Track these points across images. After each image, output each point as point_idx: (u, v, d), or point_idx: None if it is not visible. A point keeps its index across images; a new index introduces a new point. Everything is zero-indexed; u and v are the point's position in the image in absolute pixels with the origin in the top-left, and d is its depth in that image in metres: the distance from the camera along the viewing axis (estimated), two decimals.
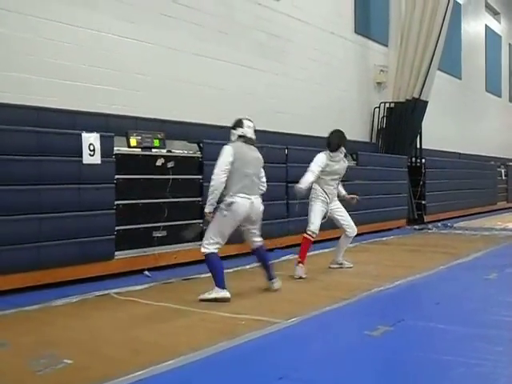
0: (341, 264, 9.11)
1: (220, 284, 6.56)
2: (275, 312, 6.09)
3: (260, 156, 7.09)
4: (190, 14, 10.64)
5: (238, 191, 6.70)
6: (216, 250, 6.75)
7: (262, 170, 7.17)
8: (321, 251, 10.55)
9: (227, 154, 6.73)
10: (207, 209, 6.73)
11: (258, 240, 7.18)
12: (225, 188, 6.68)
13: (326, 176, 8.67)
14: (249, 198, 6.76)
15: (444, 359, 4.67)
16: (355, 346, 5.09)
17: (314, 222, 8.59)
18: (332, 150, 8.67)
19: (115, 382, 4.06)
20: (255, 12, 12.30)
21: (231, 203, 6.64)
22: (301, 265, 8.34)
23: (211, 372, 4.39)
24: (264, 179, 7.21)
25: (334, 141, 8.71)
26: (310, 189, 8.63)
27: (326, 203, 8.68)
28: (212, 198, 6.67)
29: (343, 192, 9.02)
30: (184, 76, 10.53)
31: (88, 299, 6.76)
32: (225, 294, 6.53)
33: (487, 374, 4.32)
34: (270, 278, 7.20)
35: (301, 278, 8.20)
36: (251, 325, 5.58)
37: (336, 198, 8.85)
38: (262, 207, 7.01)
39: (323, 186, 8.67)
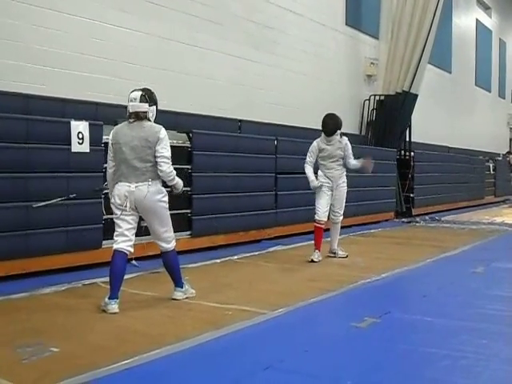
0: (334, 253, 9.31)
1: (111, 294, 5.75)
2: (262, 302, 6.10)
3: (148, 133, 5.83)
4: (182, 3, 10.60)
5: (117, 179, 5.90)
6: (117, 246, 5.88)
7: (160, 149, 5.82)
8: (307, 243, 10.56)
9: (109, 140, 6.04)
10: (110, 195, 6.12)
11: (162, 243, 6.13)
12: None
13: (325, 160, 8.96)
14: (128, 185, 5.80)
15: (429, 351, 4.70)
16: (341, 337, 5.11)
17: (318, 211, 8.97)
18: (328, 135, 8.86)
19: (101, 370, 4.06)
20: (247, 2, 12.26)
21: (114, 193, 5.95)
22: (317, 250, 8.85)
23: (197, 362, 4.40)
24: (162, 160, 5.84)
25: (329, 125, 8.90)
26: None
27: (329, 188, 8.97)
28: (109, 187, 6.15)
29: (354, 162, 9.07)
30: (175, 65, 10.49)
31: (75, 288, 6.75)
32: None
33: (472, 367, 4.35)
34: (175, 285, 6.25)
35: (312, 261, 8.72)
36: (238, 315, 5.59)
37: (342, 181, 9.04)
38: (152, 195, 5.83)
39: (324, 171, 8.98)
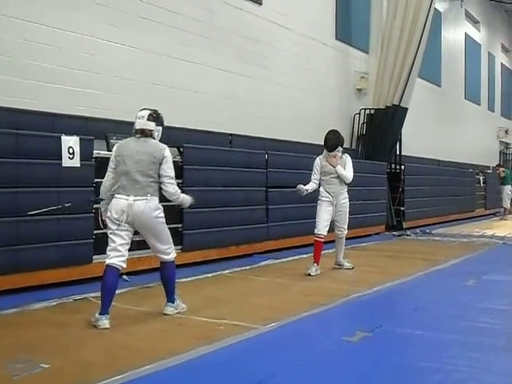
0: (341, 265, 9.47)
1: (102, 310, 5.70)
2: (254, 317, 6.08)
3: (153, 149, 5.91)
4: (172, 18, 10.62)
5: (115, 191, 5.86)
6: (109, 261, 5.81)
7: (166, 168, 5.95)
8: (299, 257, 10.56)
9: (112, 153, 6.07)
10: (102, 209, 6.15)
11: (161, 255, 6.14)
12: None
13: (326, 176, 9.09)
14: (126, 199, 5.79)
15: (421, 365, 4.70)
16: (333, 351, 5.10)
17: (318, 225, 9.05)
18: (329, 150, 8.98)
19: None
20: (237, 17, 12.31)
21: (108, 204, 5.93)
22: (315, 264, 8.90)
23: (189, 377, 4.38)
24: (169, 180, 5.98)
25: (331, 141, 9.04)
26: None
27: (330, 203, 9.06)
28: (103, 204, 6.12)
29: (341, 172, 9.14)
30: (165, 80, 10.51)
31: (66, 303, 6.72)
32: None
33: (464, 381, 4.35)
34: (167, 299, 6.21)
35: (309, 274, 8.75)
36: (230, 330, 5.58)
37: (343, 197, 9.15)
38: (149, 211, 5.84)
39: (325, 187, 9.10)
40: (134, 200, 5.78)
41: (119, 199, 5.81)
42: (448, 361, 4.76)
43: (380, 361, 4.85)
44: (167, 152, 6.00)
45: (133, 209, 5.76)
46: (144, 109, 6.13)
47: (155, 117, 6.06)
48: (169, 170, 5.98)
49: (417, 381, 4.41)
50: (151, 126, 6.00)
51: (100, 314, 5.64)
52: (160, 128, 6.11)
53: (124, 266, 5.88)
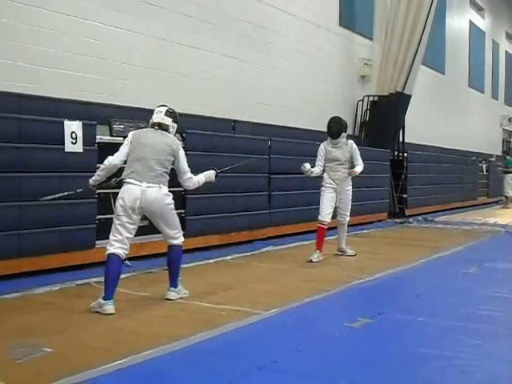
0: (343, 251, 9.53)
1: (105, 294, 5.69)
2: (256, 303, 6.10)
3: (171, 141, 6.13)
4: (178, 3, 10.58)
5: (127, 176, 5.93)
6: (115, 250, 5.82)
7: (183, 165, 6.23)
8: (301, 243, 10.58)
9: (126, 140, 6.16)
10: (90, 180, 6.28)
11: (169, 239, 6.23)
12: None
13: (330, 163, 9.12)
14: (139, 185, 5.86)
15: (423, 352, 4.71)
16: (335, 337, 5.11)
17: (322, 211, 9.07)
18: (333, 138, 9.05)
19: (95, 370, 4.05)
20: (242, 3, 12.25)
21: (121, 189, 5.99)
22: (317, 251, 8.93)
23: (191, 361, 4.40)
24: (187, 175, 6.28)
25: (334, 129, 9.09)
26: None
27: (334, 190, 9.12)
28: (97, 174, 6.20)
29: (359, 169, 9.27)
30: (170, 66, 10.47)
31: (69, 288, 6.74)
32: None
33: (465, 367, 4.36)
34: (170, 284, 6.27)
35: (311, 261, 8.77)
36: (231, 315, 5.59)
37: (347, 184, 9.21)
38: (161, 198, 5.95)
39: (330, 173, 9.14)
40: (148, 187, 5.87)
41: (132, 187, 5.86)
42: (449, 347, 4.78)
43: (381, 347, 4.87)
44: (181, 148, 6.27)
45: (146, 195, 5.85)
46: (162, 105, 6.35)
47: (172, 114, 6.29)
48: (186, 165, 6.27)
49: (418, 367, 4.42)
50: (168, 121, 6.22)
51: (105, 299, 5.63)
52: (175, 125, 6.33)
53: (125, 256, 5.94)
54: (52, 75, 8.52)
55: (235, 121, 11.74)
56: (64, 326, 5.21)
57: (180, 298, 6.24)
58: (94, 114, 8.49)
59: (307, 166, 8.89)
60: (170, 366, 4.30)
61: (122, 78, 9.54)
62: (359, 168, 9.20)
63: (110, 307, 5.61)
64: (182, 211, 9.16)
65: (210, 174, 6.59)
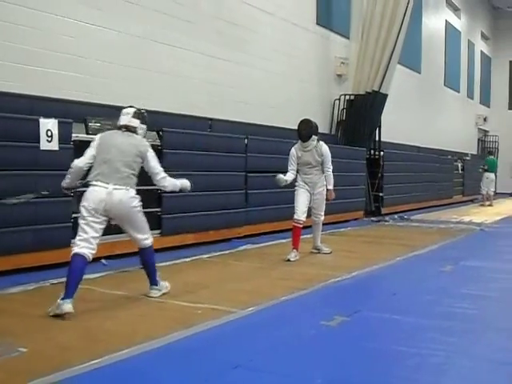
0: (318, 249, 9.54)
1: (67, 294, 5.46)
2: (232, 301, 6.10)
3: (137, 143, 6.03)
4: (155, 1, 10.53)
5: (93, 178, 5.83)
6: (79, 250, 5.66)
7: (155, 165, 6.14)
8: (277, 241, 10.59)
9: (93, 142, 6.04)
10: (63, 183, 6.15)
11: (138, 242, 6.14)
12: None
13: (302, 167, 9.11)
14: (105, 187, 5.75)
15: (398, 350, 4.74)
16: (311, 335, 5.13)
17: (297, 210, 9.06)
18: (303, 141, 8.97)
19: (71, 370, 4.03)
20: (218, 1, 12.23)
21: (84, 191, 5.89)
22: (294, 250, 8.90)
23: (167, 361, 4.39)
24: (160, 176, 6.16)
25: (304, 132, 9.01)
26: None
27: (307, 190, 9.12)
28: (67, 177, 6.08)
29: (329, 175, 9.22)
30: (147, 64, 10.41)
31: (44, 287, 6.69)
32: None
33: (440, 365, 4.40)
34: (150, 283, 6.27)
35: (289, 260, 8.73)
36: (208, 314, 5.59)
37: (319, 186, 9.17)
38: (128, 201, 5.83)
39: (302, 176, 9.14)
40: (114, 189, 5.75)
41: (97, 189, 5.75)
42: (425, 345, 4.81)
43: (358, 345, 4.88)
44: (150, 148, 6.16)
45: (111, 197, 5.73)
46: (130, 106, 6.26)
47: (140, 115, 6.20)
48: (157, 165, 6.16)
49: (394, 365, 4.45)
50: (136, 122, 6.13)
51: (63, 298, 5.40)
52: (144, 127, 6.25)
53: (91, 258, 5.75)
54: (28, 72, 8.43)
55: (212, 119, 11.72)
56: (39, 326, 5.17)
57: (163, 294, 6.25)
58: (70, 112, 8.41)
59: (281, 177, 8.88)
60: (146, 365, 4.28)
61: (99, 76, 9.47)
62: (330, 180, 9.14)
63: (68, 306, 5.34)
64: (158, 210, 9.14)
65: (186, 184, 6.45)
